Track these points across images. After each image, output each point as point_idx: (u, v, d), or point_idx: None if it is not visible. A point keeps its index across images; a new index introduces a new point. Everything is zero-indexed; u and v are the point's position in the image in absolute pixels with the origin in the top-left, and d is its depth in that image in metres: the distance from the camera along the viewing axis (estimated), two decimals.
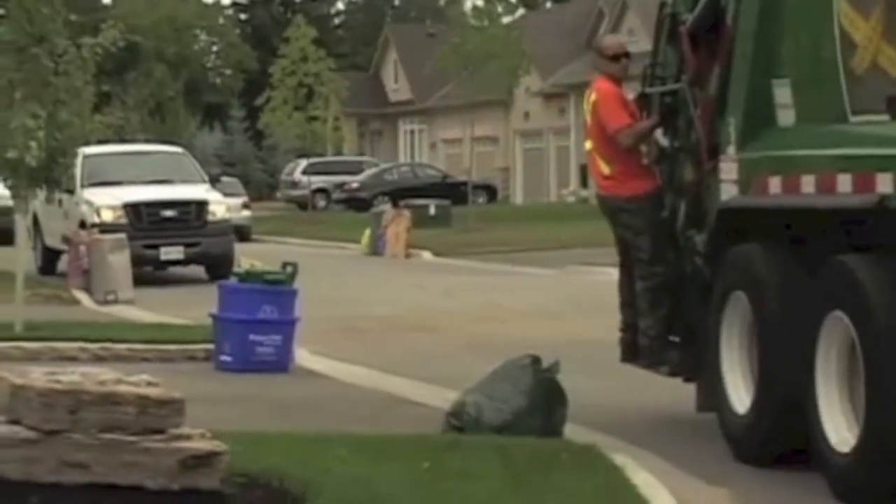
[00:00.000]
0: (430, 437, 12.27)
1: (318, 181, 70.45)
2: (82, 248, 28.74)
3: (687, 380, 13.20)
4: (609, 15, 69.54)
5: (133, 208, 31.52)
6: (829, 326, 10.44)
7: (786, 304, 11.13)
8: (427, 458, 10.93)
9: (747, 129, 11.81)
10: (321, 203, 69.09)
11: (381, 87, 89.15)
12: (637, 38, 64.26)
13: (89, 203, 31.30)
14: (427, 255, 41.94)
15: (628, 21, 66.70)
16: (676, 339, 13.26)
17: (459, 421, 12.52)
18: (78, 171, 28.20)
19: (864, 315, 9.95)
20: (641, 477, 10.66)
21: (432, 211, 51.08)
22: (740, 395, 11.82)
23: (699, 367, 12.70)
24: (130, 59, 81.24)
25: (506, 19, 66.66)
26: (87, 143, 22.91)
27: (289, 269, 17.93)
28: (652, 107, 13.69)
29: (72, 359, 16.85)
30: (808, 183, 10.74)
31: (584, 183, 66.40)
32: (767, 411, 11.38)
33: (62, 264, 31.79)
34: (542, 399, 12.52)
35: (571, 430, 12.61)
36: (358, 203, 63.22)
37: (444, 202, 54.12)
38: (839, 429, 10.35)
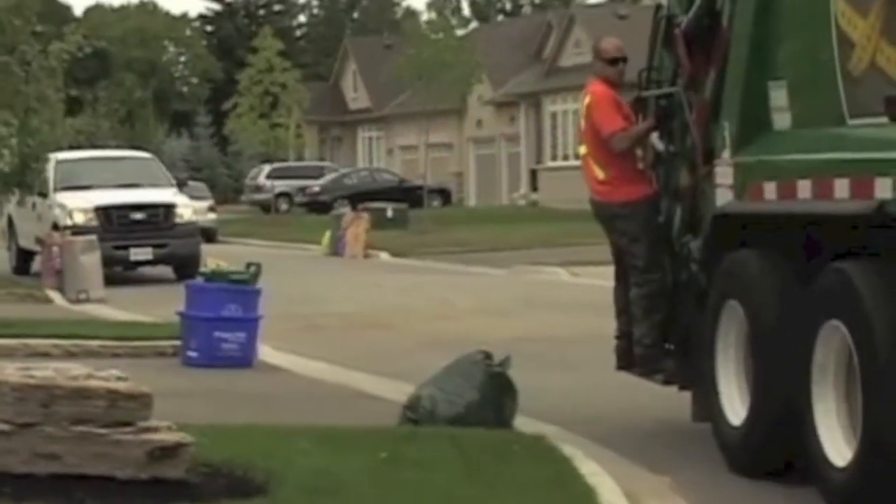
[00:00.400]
0: (388, 428, 12.32)
1: (281, 185, 70.55)
2: (55, 249, 28.63)
3: (682, 388, 12.36)
4: (557, 28, 69.76)
5: (104, 211, 31.36)
6: (825, 336, 9.60)
7: (781, 313, 10.29)
8: (385, 449, 10.92)
9: (742, 132, 11.01)
10: (284, 206, 69.05)
11: (341, 96, 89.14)
12: (583, 50, 64.68)
13: (62, 206, 31.10)
14: (385, 255, 41.82)
15: (575, 34, 66.89)
16: (671, 347, 12.51)
17: (415, 414, 12.52)
18: (50, 176, 28.25)
19: (862, 324, 9.13)
20: (588, 466, 10.65)
21: (390, 214, 51.12)
22: (735, 407, 10.95)
23: (694, 376, 11.87)
24: (101, 68, 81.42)
25: (459, 32, 67.01)
26: (59, 149, 22.99)
27: (252, 269, 17.94)
28: (648, 111, 12.92)
29: (45, 355, 16.75)
30: (804, 188, 9.96)
31: (533, 187, 66.58)
32: (763, 423, 10.52)
33: (36, 265, 31.67)
34: (493, 393, 12.48)
35: (522, 422, 12.59)
36: (319, 206, 63.11)
37: (400, 205, 54.11)
38: (836, 442, 9.51)
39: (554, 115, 65.85)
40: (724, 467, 11.42)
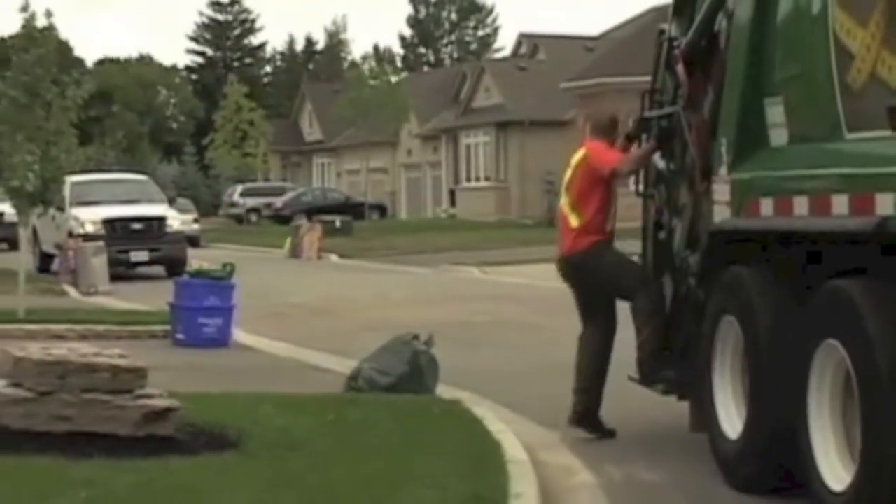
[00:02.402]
0: (335, 395, 12.30)
1: (251, 202, 70.30)
2: (70, 252, 28.50)
3: (680, 398, 10.40)
4: (470, 77, 69.48)
5: (109, 222, 31.22)
6: (822, 355, 7.62)
7: (778, 331, 8.31)
8: (332, 412, 10.90)
9: (739, 149, 9.01)
10: (253, 218, 68.50)
11: (299, 130, 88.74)
12: (491, 94, 64.66)
13: (76, 218, 30.90)
14: (334, 257, 41.17)
15: (485, 82, 66.73)
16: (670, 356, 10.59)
17: (357, 383, 12.51)
18: (67, 194, 27.93)
19: (861, 344, 7.15)
20: (495, 425, 10.61)
21: (338, 224, 50.79)
22: (732, 420, 8.98)
23: (692, 387, 9.90)
24: (108, 109, 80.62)
25: (393, 79, 67.04)
26: (74, 173, 22.83)
27: (228, 268, 17.98)
28: (651, 130, 11.06)
29: (61, 337, 16.60)
30: (800, 204, 7.98)
31: (452, 203, 66.47)
32: (758, 439, 8.50)
33: (55, 265, 31.44)
34: (419, 366, 12.43)
35: (442, 390, 12.52)
36: (281, 218, 62.45)
37: (346, 217, 53.75)
38: (833, 465, 7.57)
39: (468, 146, 65.56)
40: (607, 419, 11.04)
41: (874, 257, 7.41)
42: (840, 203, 7.52)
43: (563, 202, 11.08)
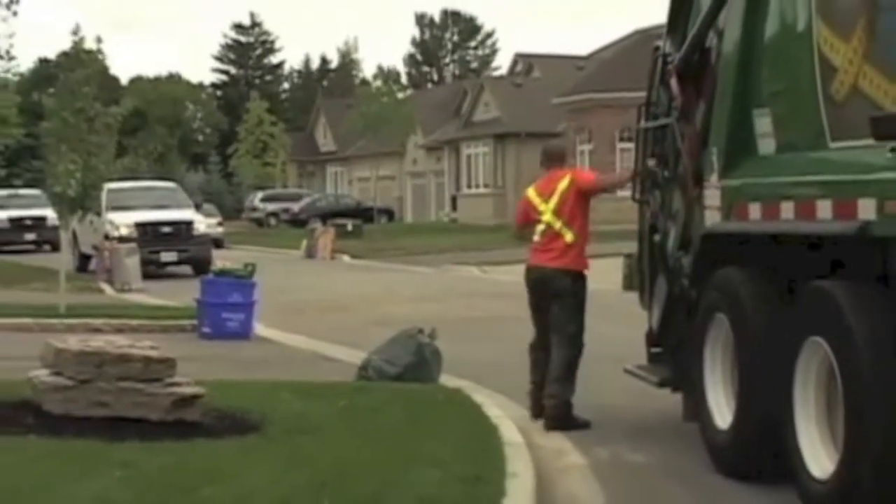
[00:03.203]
0: (346, 383, 12.25)
1: (271, 207, 70.35)
2: (106, 253, 28.60)
3: (674, 391, 10.18)
4: (471, 93, 69.53)
5: (142, 226, 31.26)
6: (807, 351, 7.48)
7: (765, 328, 8.19)
8: (344, 398, 10.88)
9: (729, 157, 8.88)
10: (272, 222, 68.59)
11: (315, 141, 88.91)
12: (489, 108, 64.64)
13: (111, 222, 30.93)
14: (346, 258, 41.19)
15: (484, 97, 66.77)
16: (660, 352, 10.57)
17: (366, 373, 12.50)
18: (104, 200, 27.98)
19: (843, 341, 7.02)
20: (493, 411, 10.61)
21: (350, 227, 50.80)
22: (722, 412, 8.84)
23: (685, 380, 9.74)
24: (141, 122, 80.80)
25: (400, 95, 67.28)
26: (110, 181, 22.97)
27: (249, 267, 17.97)
28: (647, 140, 11.02)
29: (98, 330, 16.61)
30: (787, 209, 7.83)
31: (454, 208, 66.52)
32: (747, 429, 8.40)
33: (92, 265, 31.39)
34: (424, 357, 12.43)
35: (444, 379, 12.50)
36: (298, 222, 62.58)
37: (357, 221, 53.86)
38: (817, 454, 7.43)
39: (469, 156, 65.64)
40: (598, 409, 11.12)
41: (856, 259, 7.30)
42: (824, 208, 7.38)
43: (552, 222, 11.01)
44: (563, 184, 11.02)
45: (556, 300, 10.94)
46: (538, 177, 11.48)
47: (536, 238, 11.13)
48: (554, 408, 10.67)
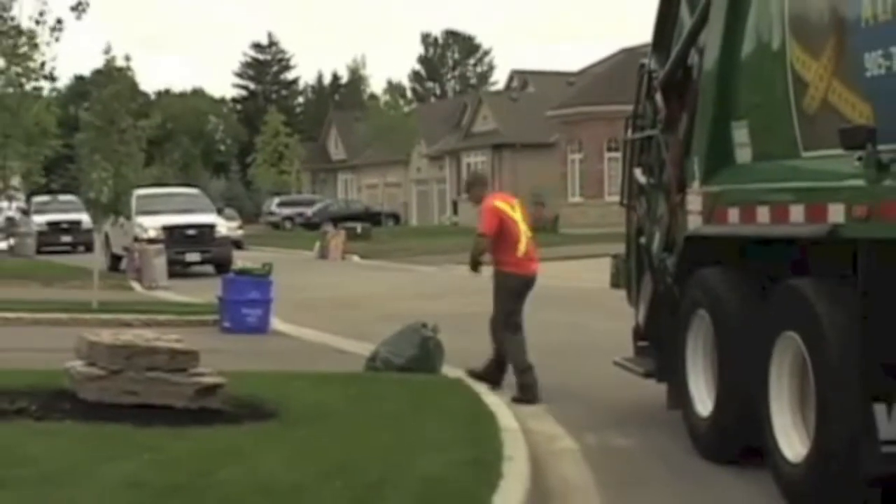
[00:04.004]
0: (356, 373, 12.22)
1: (286, 211, 70.30)
2: (136, 253, 28.60)
3: (659, 381, 10.11)
4: (470, 107, 69.56)
5: (168, 229, 31.17)
6: (781, 345, 7.47)
7: (743, 324, 8.16)
8: (355, 387, 10.91)
9: (709, 166, 8.83)
10: (288, 225, 68.51)
11: (327, 151, 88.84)
12: (487, 121, 64.60)
13: (140, 225, 30.80)
14: (356, 258, 41.04)
15: (483, 111, 66.82)
16: (645, 345, 10.58)
17: (374, 363, 12.48)
18: (133, 205, 27.97)
19: (815, 335, 7.01)
20: (490, 399, 10.59)
21: (359, 230, 50.69)
22: (703, 400, 8.82)
23: (669, 371, 9.68)
24: (167, 134, 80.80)
25: (405, 108, 67.30)
26: (139, 187, 23.09)
27: (266, 267, 17.96)
28: (634, 150, 11.01)
29: (128, 325, 16.58)
30: (763, 213, 7.82)
31: (455, 212, 66.50)
32: (725, 417, 8.39)
33: (123, 264, 31.37)
34: (428, 350, 12.41)
35: (446, 370, 12.47)
36: (311, 225, 62.62)
37: (366, 224, 53.82)
38: (790, 440, 7.41)
39: (468, 165, 65.48)
40: (588, 397, 11.25)
41: (827, 260, 7.28)
42: (797, 212, 7.37)
43: (527, 232, 12.06)
44: (515, 203, 12.12)
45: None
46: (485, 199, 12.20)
47: (524, 249, 11.94)
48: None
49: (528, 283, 12.06)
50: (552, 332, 15.39)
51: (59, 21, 20.38)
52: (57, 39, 20.46)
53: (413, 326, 12.66)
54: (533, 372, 11.49)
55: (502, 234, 11.83)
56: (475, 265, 12.13)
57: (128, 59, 20.83)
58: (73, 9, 19.97)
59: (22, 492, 6.53)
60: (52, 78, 21.19)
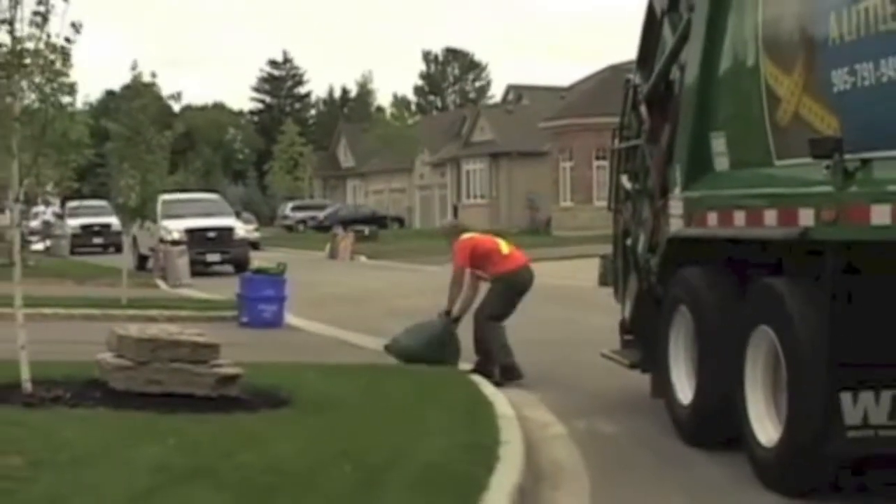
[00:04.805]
0: (366, 365, 12.15)
1: (300, 215, 70.06)
2: (161, 254, 28.55)
3: (644, 372, 10.11)
4: (469, 118, 69.41)
5: (191, 231, 31.10)
6: (756, 338, 7.49)
7: (721, 319, 8.15)
8: (363, 377, 10.88)
9: (690, 173, 8.85)
10: (301, 228, 68.42)
11: (337, 159, 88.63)
12: (485, 131, 64.52)
13: (165, 228, 30.69)
14: (363, 258, 41.00)
15: (480, 122, 66.59)
16: (631, 339, 10.58)
17: (393, 349, 12.50)
18: (159, 209, 27.97)
19: (787, 330, 7.04)
20: (489, 389, 10.57)
21: (366, 232, 50.69)
22: (684, 390, 8.81)
23: (652, 363, 9.71)
24: (190, 144, 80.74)
25: (409, 121, 67.24)
26: (164, 193, 23.12)
27: (281, 266, 17.92)
28: (620, 159, 10.99)
29: (154, 319, 16.52)
30: (739, 217, 7.84)
31: (455, 216, 66.46)
32: (705, 405, 8.39)
33: (149, 264, 31.34)
34: (443, 340, 12.35)
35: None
36: (323, 228, 62.57)
37: (373, 227, 53.94)
38: (764, 426, 7.41)
39: (468, 172, 65.48)
40: (578, 387, 11.24)
41: (798, 260, 7.29)
42: (770, 216, 7.38)
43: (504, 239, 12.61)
44: (494, 239, 12.56)
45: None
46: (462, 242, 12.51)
47: (506, 248, 12.31)
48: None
49: (526, 275, 12.14)
50: (546, 327, 15.40)
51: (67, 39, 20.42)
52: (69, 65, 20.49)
53: (432, 319, 12.59)
54: (511, 353, 11.85)
55: (479, 254, 12.16)
56: (451, 310, 12.31)
57: (153, 75, 20.93)
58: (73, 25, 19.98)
59: (58, 472, 6.54)
60: (73, 91, 21.18)
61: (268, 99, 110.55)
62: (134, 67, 20.58)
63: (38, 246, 40.70)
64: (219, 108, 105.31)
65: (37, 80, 9.11)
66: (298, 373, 10.85)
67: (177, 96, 23.82)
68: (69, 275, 26.97)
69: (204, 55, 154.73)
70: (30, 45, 8.92)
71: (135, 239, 30.77)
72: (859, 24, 6.44)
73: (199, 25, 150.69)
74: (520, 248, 12.51)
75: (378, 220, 61.05)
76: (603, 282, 11.96)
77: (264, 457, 7.14)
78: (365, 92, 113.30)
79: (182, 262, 27.45)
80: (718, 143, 8.59)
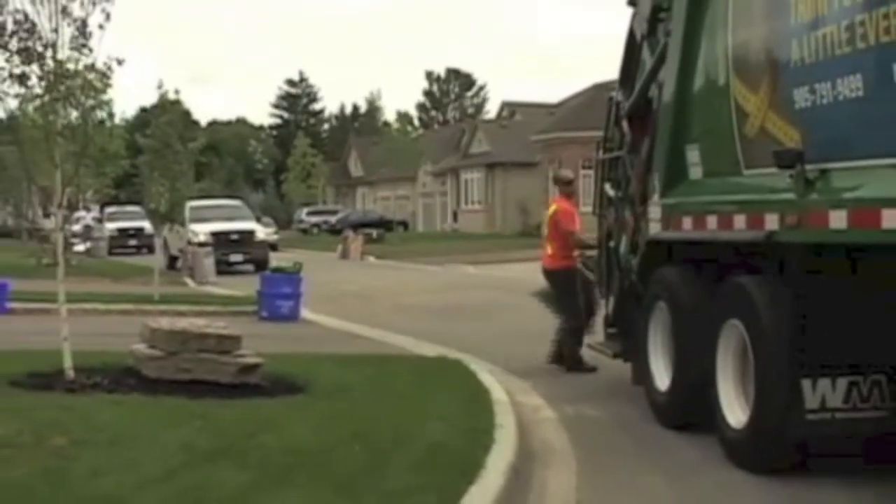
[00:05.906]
0: (373, 355, 12.12)
1: (314, 219, 70.00)
2: (189, 255, 28.54)
3: (625, 361, 10.16)
4: (468, 132, 69.31)
5: (216, 234, 30.96)
6: (727, 331, 7.58)
7: (695, 313, 8.21)
8: (371, 367, 10.83)
9: (667, 181, 8.94)
10: (315, 231, 68.43)
11: (347, 169, 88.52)
12: (482, 144, 64.45)
13: (193, 231, 30.60)
14: (372, 258, 40.87)
15: (478, 135, 66.53)
16: (614, 331, 10.61)
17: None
18: (186, 214, 27.96)
19: (754, 323, 7.15)
20: (485, 377, 10.52)
21: (374, 235, 50.52)
22: (662, 378, 8.87)
23: (633, 353, 9.76)
24: (214, 155, 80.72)
25: (413, 134, 67.20)
26: (191, 199, 23.18)
27: (297, 266, 17.93)
28: (604, 168, 11.05)
29: (183, 314, 16.49)
30: (712, 221, 7.95)
31: (455, 220, 66.41)
32: (681, 391, 8.46)
33: (178, 264, 31.36)
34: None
35: (447, 351, 12.47)
36: (335, 231, 62.52)
37: (381, 230, 53.78)
38: (733, 410, 7.50)
39: (466, 181, 65.38)
40: (566, 375, 11.23)
41: (764, 260, 7.36)
42: (740, 221, 7.45)
43: (544, 234, 12.18)
44: (550, 210, 11.95)
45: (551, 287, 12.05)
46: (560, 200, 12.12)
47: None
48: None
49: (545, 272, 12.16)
50: (539, 320, 15.37)
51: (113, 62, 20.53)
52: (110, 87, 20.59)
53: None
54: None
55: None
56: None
57: (177, 92, 20.99)
58: (117, 60, 20.16)
59: (98, 451, 6.57)
60: (110, 109, 21.28)
61: (285, 115, 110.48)
62: (160, 86, 20.65)
63: (80, 248, 40.68)
64: (241, 122, 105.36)
65: (78, 99, 9.13)
66: (313, 362, 10.83)
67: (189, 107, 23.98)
68: (107, 274, 26.97)
69: (228, 75, 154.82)
70: (70, 66, 8.93)
71: (165, 241, 30.75)
72: (818, 48, 6.52)
73: (224, 49, 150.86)
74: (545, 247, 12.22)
75: (385, 224, 60.94)
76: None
77: (282, 438, 7.15)
78: (373, 108, 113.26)
79: (208, 262, 27.47)
80: (693, 155, 8.66)
